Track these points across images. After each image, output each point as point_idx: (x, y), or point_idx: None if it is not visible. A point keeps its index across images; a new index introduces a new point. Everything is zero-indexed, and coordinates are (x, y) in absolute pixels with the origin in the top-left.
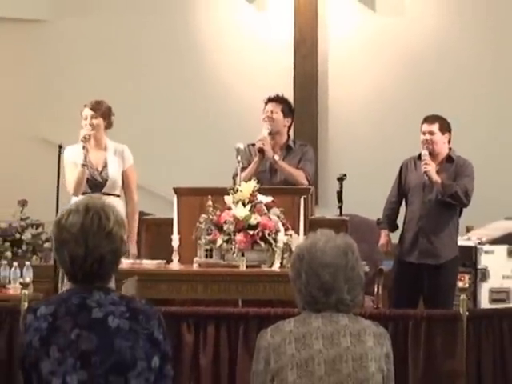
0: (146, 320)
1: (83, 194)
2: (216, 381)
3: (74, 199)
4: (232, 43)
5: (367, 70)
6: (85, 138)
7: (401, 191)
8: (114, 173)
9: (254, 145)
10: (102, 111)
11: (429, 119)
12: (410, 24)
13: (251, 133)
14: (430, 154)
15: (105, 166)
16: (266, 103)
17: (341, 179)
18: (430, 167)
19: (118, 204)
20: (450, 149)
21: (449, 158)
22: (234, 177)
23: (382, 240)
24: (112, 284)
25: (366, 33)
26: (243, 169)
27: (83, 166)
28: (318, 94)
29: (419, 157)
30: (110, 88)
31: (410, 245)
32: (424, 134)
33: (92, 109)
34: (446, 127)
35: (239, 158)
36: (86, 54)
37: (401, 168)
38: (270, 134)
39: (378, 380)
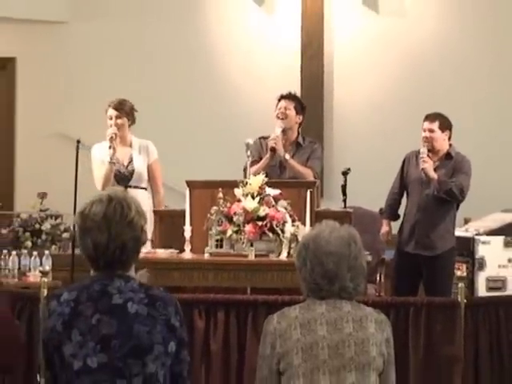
0: (163, 306)
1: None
2: (226, 365)
3: None
4: (241, 45)
5: (371, 71)
6: (111, 137)
7: (402, 183)
8: (140, 166)
9: (264, 138)
10: (126, 110)
11: (429, 117)
12: (412, 26)
13: (260, 130)
14: (430, 150)
15: (130, 160)
16: (279, 100)
17: (345, 173)
18: (427, 164)
19: (144, 196)
20: (450, 145)
21: (448, 155)
22: (245, 169)
23: (384, 229)
24: (132, 272)
25: (370, 35)
26: (254, 162)
27: (110, 163)
28: (324, 94)
29: (420, 152)
30: (125, 87)
31: (408, 236)
32: (424, 131)
33: (116, 109)
34: (446, 125)
35: (248, 152)
36: (104, 54)
37: (403, 161)
38: (283, 131)
39: (379, 364)
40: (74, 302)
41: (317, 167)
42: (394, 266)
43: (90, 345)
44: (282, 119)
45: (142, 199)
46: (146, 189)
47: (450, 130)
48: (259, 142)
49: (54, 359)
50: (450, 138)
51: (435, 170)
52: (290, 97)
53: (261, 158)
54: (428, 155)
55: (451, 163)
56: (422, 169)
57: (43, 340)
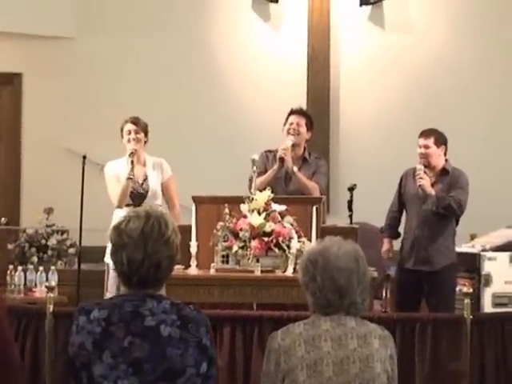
0: (195, 328)
1: (126, 205)
2: (232, 380)
3: (118, 211)
4: (248, 60)
5: (377, 86)
6: (132, 152)
7: (401, 201)
8: (154, 184)
9: (270, 151)
10: (142, 126)
11: (424, 133)
12: (418, 41)
13: (266, 145)
14: (426, 166)
15: (145, 178)
16: (290, 114)
17: (351, 189)
18: (424, 181)
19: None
20: (446, 160)
21: (444, 170)
22: (250, 180)
23: (385, 247)
24: (163, 291)
25: (376, 50)
26: (259, 174)
27: (128, 179)
28: (330, 108)
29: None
30: (132, 103)
31: (408, 252)
32: (420, 147)
33: (134, 123)
34: (441, 140)
35: (254, 168)
36: (111, 69)
37: (401, 179)
38: (292, 145)
39: (383, 380)
40: (104, 321)
41: (323, 183)
42: (395, 281)
43: (121, 367)
44: (293, 135)
45: None
46: (161, 205)
47: (446, 145)
48: (265, 155)
49: (82, 376)
50: (445, 153)
51: (432, 185)
52: (302, 112)
53: (266, 170)
54: (424, 171)
55: (447, 178)
56: (419, 185)
57: (69, 355)
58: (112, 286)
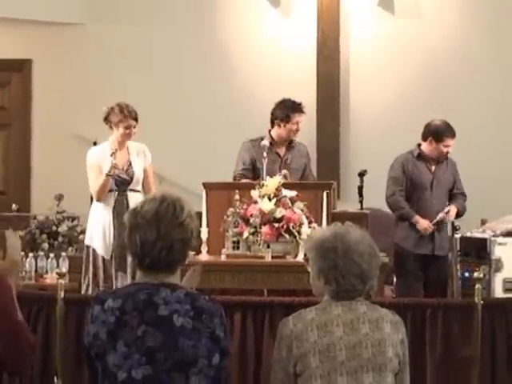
0: (209, 319)
1: (110, 191)
2: (243, 366)
3: (97, 204)
4: (257, 46)
5: (387, 71)
6: (113, 153)
7: (405, 186)
8: (138, 170)
9: (255, 140)
10: (137, 118)
11: (452, 133)
12: (428, 26)
13: None
14: (427, 157)
15: (129, 164)
16: (293, 112)
17: (362, 174)
18: (452, 215)
19: (140, 199)
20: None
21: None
22: (234, 178)
23: (424, 223)
24: (177, 279)
25: (386, 35)
26: (241, 175)
27: (108, 175)
28: (340, 94)
29: (417, 157)
30: (141, 89)
31: (428, 238)
32: (446, 147)
33: (135, 119)
34: None
35: (265, 154)
36: (120, 56)
37: (402, 165)
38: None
39: (395, 364)
40: (118, 310)
41: (311, 173)
42: (403, 268)
43: (135, 356)
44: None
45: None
46: (140, 191)
47: None
48: (250, 145)
49: (96, 365)
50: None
51: (437, 173)
52: (302, 110)
53: (253, 160)
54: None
55: (448, 166)
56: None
57: (85, 344)
58: (99, 269)
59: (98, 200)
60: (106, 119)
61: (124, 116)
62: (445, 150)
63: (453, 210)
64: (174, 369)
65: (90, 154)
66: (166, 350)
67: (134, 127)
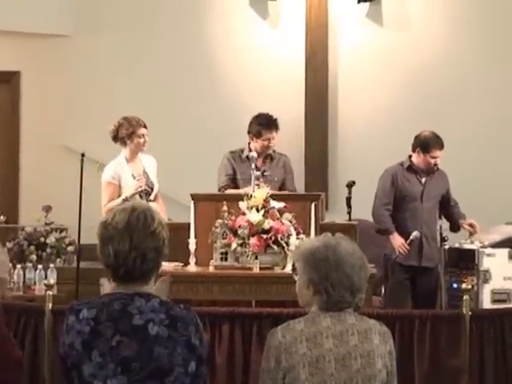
0: (184, 327)
1: None
2: (231, 377)
3: None
4: (246, 58)
5: (375, 82)
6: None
7: (394, 198)
8: (155, 180)
9: (234, 152)
10: (146, 126)
11: (441, 144)
12: (416, 38)
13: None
14: (417, 169)
15: (147, 176)
16: (262, 129)
17: (350, 186)
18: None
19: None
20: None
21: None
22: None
23: (399, 241)
24: (152, 289)
25: (374, 47)
26: (228, 177)
27: (125, 200)
28: (328, 106)
29: (407, 169)
30: (129, 100)
31: (416, 250)
32: (434, 158)
33: (146, 127)
34: None
35: (253, 165)
36: (108, 67)
37: (392, 177)
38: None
39: (384, 376)
40: (93, 320)
41: (292, 185)
42: (391, 279)
43: (110, 366)
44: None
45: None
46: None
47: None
48: (230, 156)
49: (72, 375)
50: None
51: (429, 184)
52: (273, 126)
53: (234, 171)
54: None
55: (439, 177)
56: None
57: (61, 354)
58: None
59: None
60: (116, 137)
61: (135, 126)
62: (432, 161)
63: (474, 224)
64: (149, 378)
65: (105, 172)
66: (141, 359)
67: (147, 135)
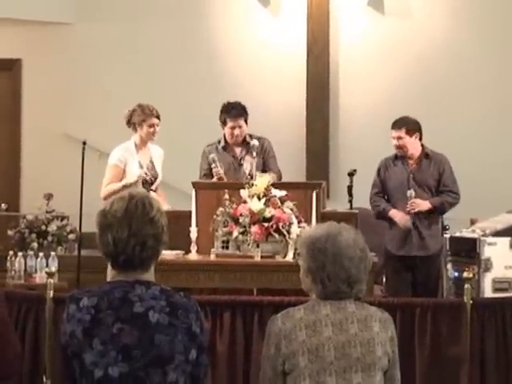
0: (184, 314)
1: None
2: (232, 365)
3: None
4: (247, 46)
5: (377, 71)
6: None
7: (385, 187)
8: (159, 171)
9: (211, 145)
10: (159, 116)
11: (396, 125)
12: (418, 27)
13: (265, 132)
14: (405, 156)
15: (152, 165)
16: (227, 117)
17: (351, 174)
18: (418, 207)
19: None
20: (422, 146)
21: (426, 155)
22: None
23: (400, 214)
24: (152, 276)
25: (375, 35)
26: (206, 171)
27: (124, 187)
28: (330, 94)
29: (396, 157)
30: (131, 88)
31: (403, 239)
32: (394, 139)
33: (157, 117)
34: (413, 128)
35: (254, 153)
36: (109, 55)
37: (379, 169)
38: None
39: (385, 363)
40: (94, 308)
41: (276, 167)
42: (389, 269)
43: (111, 354)
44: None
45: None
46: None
47: (419, 131)
48: (207, 150)
49: (73, 364)
50: (420, 139)
51: (417, 171)
52: (238, 114)
53: (209, 168)
54: (415, 198)
55: (432, 163)
56: (416, 213)
57: (61, 343)
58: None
59: (105, 199)
60: (129, 121)
61: (147, 115)
62: (393, 141)
63: (419, 201)
64: (150, 365)
65: (113, 155)
66: (142, 346)
67: (158, 125)
